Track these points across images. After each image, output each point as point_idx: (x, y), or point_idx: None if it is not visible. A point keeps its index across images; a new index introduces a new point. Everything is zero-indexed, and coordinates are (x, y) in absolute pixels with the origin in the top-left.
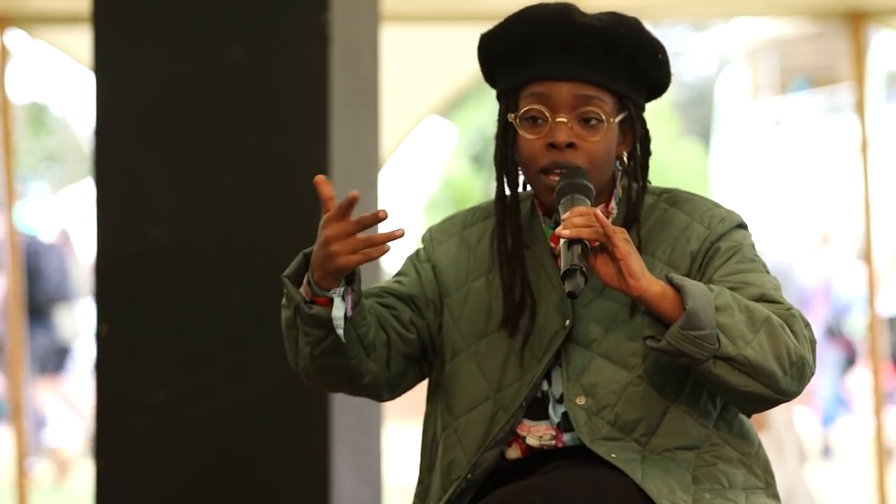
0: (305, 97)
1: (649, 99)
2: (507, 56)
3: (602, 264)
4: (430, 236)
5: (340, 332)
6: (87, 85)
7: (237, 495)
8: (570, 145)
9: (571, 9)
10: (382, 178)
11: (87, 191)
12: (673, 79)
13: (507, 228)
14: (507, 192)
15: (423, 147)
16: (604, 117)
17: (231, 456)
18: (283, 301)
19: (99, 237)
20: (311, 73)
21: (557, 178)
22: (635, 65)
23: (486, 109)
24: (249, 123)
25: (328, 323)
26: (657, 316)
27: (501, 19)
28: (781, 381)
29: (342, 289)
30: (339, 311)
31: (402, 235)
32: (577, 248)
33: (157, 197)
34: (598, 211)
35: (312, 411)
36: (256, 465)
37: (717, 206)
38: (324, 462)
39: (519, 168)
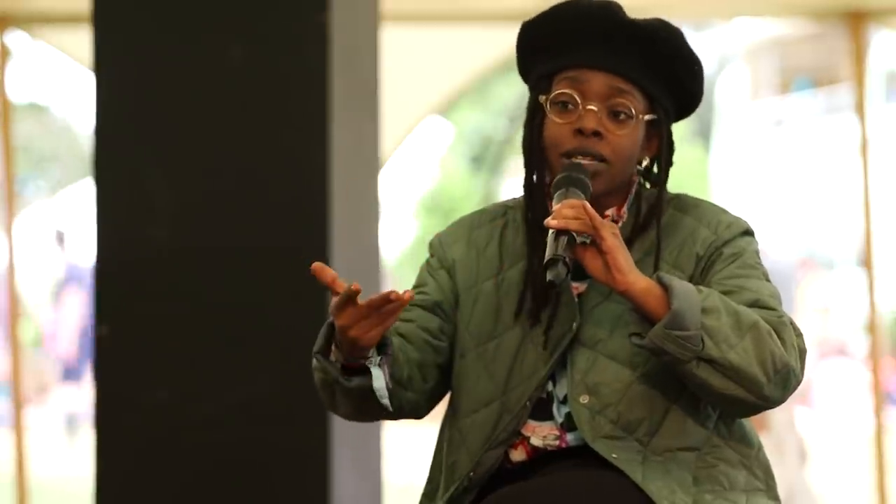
0: (305, 97)
1: (679, 116)
2: (546, 43)
3: (591, 258)
4: (439, 242)
5: (385, 401)
6: (87, 85)
7: (237, 495)
8: (597, 134)
9: (617, 6)
10: (382, 178)
11: (86, 191)
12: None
13: (534, 214)
14: (535, 176)
15: (421, 147)
16: (634, 113)
17: (231, 456)
18: (316, 365)
19: (99, 237)
20: (311, 73)
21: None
22: (672, 70)
23: (484, 110)
24: (249, 124)
25: (370, 391)
26: (644, 313)
27: (499, 19)
28: (765, 388)
29: (377, 358)
30: (379, 381)
31: (408, 299)
32: (564, 240)
33: (157, 197)
34: (587, 203)
35: (312, 411)
36: (256, 465)
37: (724, 211)
38: (324, 462)
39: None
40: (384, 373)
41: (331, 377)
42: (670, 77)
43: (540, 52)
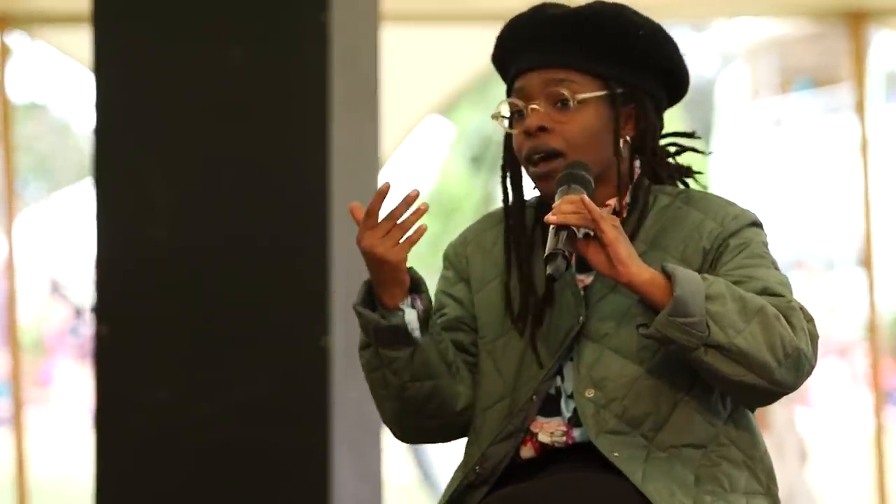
0: (305, 97)
1: (675, 87)
2: (499, 63)
3: (593, 252)
4: (453, 251)
5: (417, 334)
6: (87, 85)
7: (237, 495)
8: (542, 129)
9: (547, 4)
10: (382, 178)
11: (86, 191)
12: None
13: (517, 228)
14: (511, 191)
15: (421, 147)
16: (569, 96)
17: (231, 456)
18: (360, 343)
19: (99, 237)
20: (311, 73)
21: (541, 167)
22: (612, 42)
23: (484, 110)
24: (249, 124)
25: (408, 336)
26: (649, 303)
27: (499, 19)
28: (776, 372)
29: (408, 299)
30: (411, 315)
31: (416, 196)
32: (563, 234)
33: (157, 197)
34: (587, 198)
35: (312, 411)
36: (256, 465)
37: (731, 204)
38: (324, 462)
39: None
40: (417, 310)
41: (371, 325)
42: (614, 50)
43: (500, 72)
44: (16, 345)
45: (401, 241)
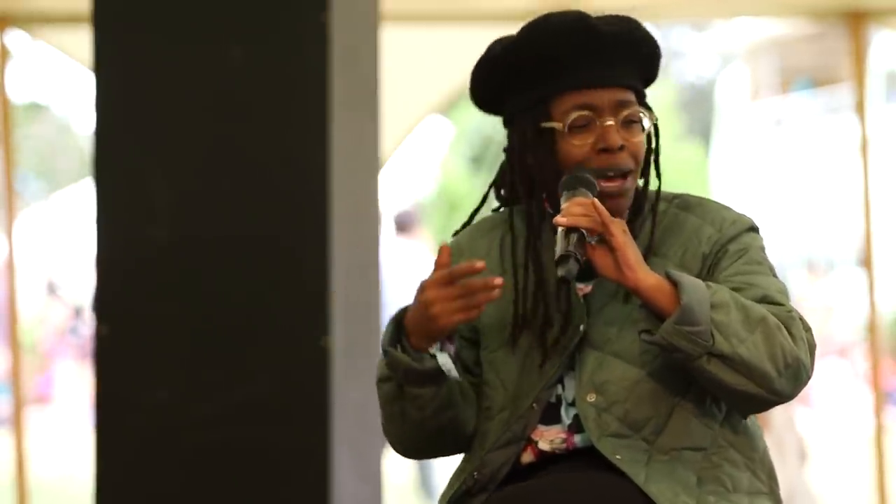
0: (305, 97)
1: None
2: (527, 69)
3: (601, 255)
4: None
5: (455, 374)
6: (87, 85)
7: (237, 495)
8: (621, 148)
9: (588, 17)
10: (382, 178)
11: (86, 191)
12: (673, 79)
13: (533, 233)
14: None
15: (421, 147)
16: (641, 118)
17: (231, 456)
18: (380, 375)
19: (99, 237)
20: (311, 73)
21: (617, 184)
22: (649, 64)
23: None
24: (249, 124)
25: (439, 376)
26: (654, 310)
27: (499, 19)
28: (776, 382)
29: (438, 344)
30: (444, 358)
31: (500, 285)
32: (574, 237)
33: (157, 197)
34: (597, 201)
35: (312, 411)
36: (256, 465)
37: (727, 209)
38: (324, 462)
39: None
40: (448, 351)
41: (402, 366)
42: (645, 70)
43: (519, 80)
44: (16, 345)
45: (460, 311)
